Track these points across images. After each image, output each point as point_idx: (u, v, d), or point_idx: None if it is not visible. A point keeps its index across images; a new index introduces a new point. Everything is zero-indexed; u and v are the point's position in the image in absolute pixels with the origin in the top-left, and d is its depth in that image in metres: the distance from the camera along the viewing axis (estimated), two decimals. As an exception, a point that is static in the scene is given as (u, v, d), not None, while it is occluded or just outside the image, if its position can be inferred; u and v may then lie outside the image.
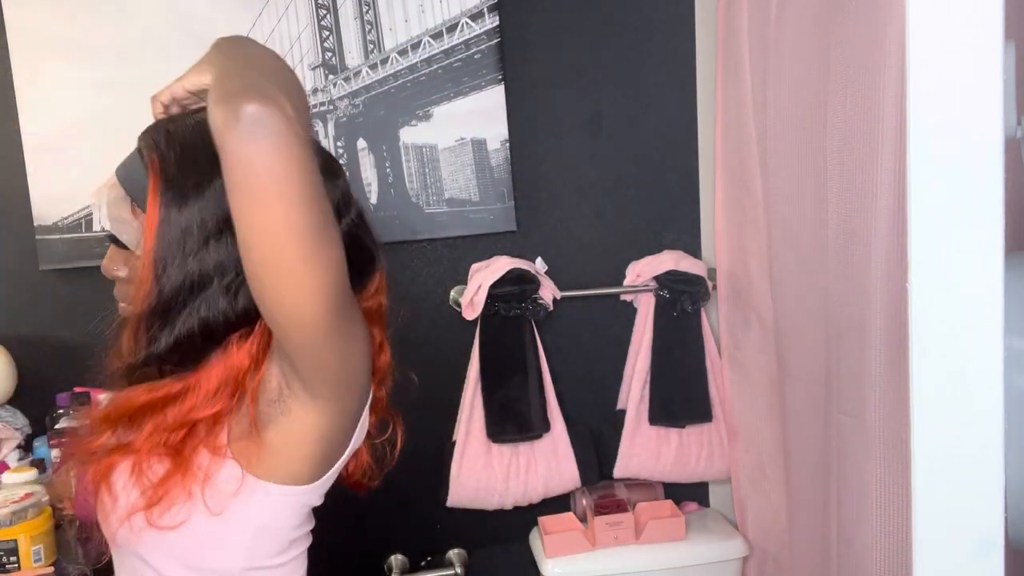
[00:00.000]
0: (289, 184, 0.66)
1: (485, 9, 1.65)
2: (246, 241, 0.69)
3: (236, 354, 0.79)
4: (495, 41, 1.65)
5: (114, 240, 0.82)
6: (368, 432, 0.92)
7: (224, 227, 0.75)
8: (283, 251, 0.68)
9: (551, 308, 1.68)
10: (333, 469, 0.84)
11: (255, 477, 0.79)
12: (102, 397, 0.86)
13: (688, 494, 1.81)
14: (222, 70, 0.73)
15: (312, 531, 0.88)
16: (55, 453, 1.46)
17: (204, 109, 0.78)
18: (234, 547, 0.80)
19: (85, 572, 1.31)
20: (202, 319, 0.76)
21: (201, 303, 0.76)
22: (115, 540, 0.83)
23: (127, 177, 0.79)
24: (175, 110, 0.84)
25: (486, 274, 1.62)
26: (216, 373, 0.79)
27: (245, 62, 0.73)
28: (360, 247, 0.85)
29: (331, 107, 1.65)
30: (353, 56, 1.65)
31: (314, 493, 0.83)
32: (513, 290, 1.62)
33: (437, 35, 1.65)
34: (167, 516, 0.77)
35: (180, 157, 0.77)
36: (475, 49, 1.66)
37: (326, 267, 0.70)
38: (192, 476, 0.78)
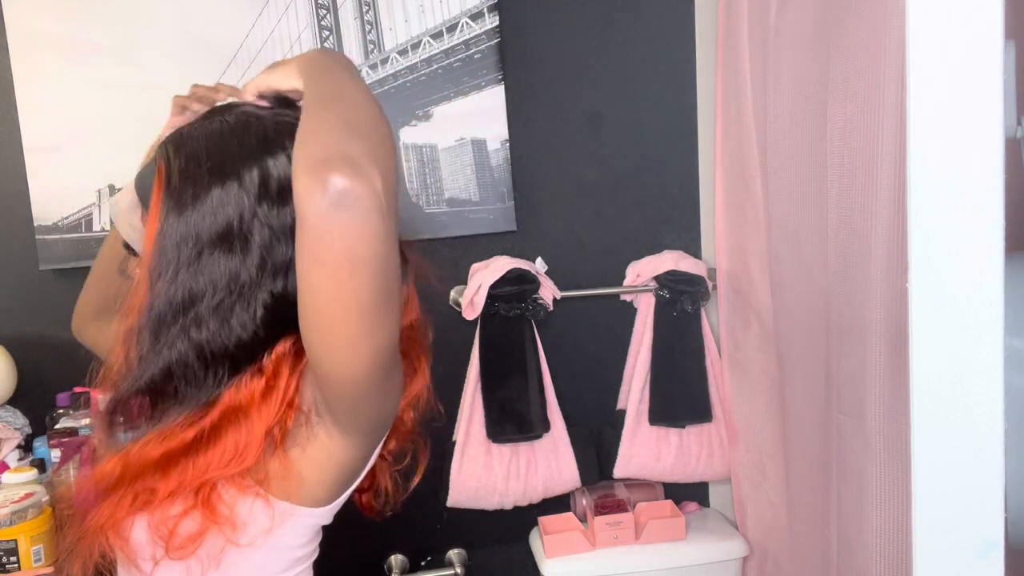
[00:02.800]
0: (367, 264, 0.63)
1: (485, 9, 1.65)
2: (309, 305, 0.66)
3: (255, 410, 0.74)
4: (495, 41, 1.65)
5: (128, 249, 0.81)
6: (383, 456, 0.91)
7: (218, 242, 0.72)
8: (347, 322, 0.65)
9: (551, 308, 1.68)
10: (348, 492, 0.83)
11: (274, 498, 0.77)
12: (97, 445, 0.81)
13: (688, 494, 1.81)
14: (313, 113, 0.67)
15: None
16: (55, 453, 1.46)
17: (225, 111, 0.78)
18: (246, 566, 0.78)
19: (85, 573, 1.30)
20: (193, 342, 0.72)
21: (191, 323, 0.72)
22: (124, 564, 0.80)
23: (140, 183, 0.78)
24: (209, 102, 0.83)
25: (486, 274, 1.62)
26: (234, 429, 0.74)
27: (341, 104, 0.68)
28: None
29: (331, 107, 1.65)
30: (353, 56, 1.65)
31: (328, 514, 0.82)
32: (513, 290, 1.62)
33: (437, 35, 1.65)
34: (194, 562, 0.76)
35: (184, 165, 0.74)
36: (475, 49, 1.66)
37: (384, 335, 0.69)
38: (224, 523, 0.74)
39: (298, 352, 0.76)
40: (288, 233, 0.73)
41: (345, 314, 0.65)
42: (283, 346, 0.76)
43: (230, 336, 0.73)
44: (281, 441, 0.75)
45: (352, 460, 0.79)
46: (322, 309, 0.65)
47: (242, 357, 0.75)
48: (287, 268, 0.74)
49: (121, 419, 0.75)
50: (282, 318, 0.74)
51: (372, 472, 0.91)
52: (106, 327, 1.02)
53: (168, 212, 0.73)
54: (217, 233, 0.72)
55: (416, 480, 0.94)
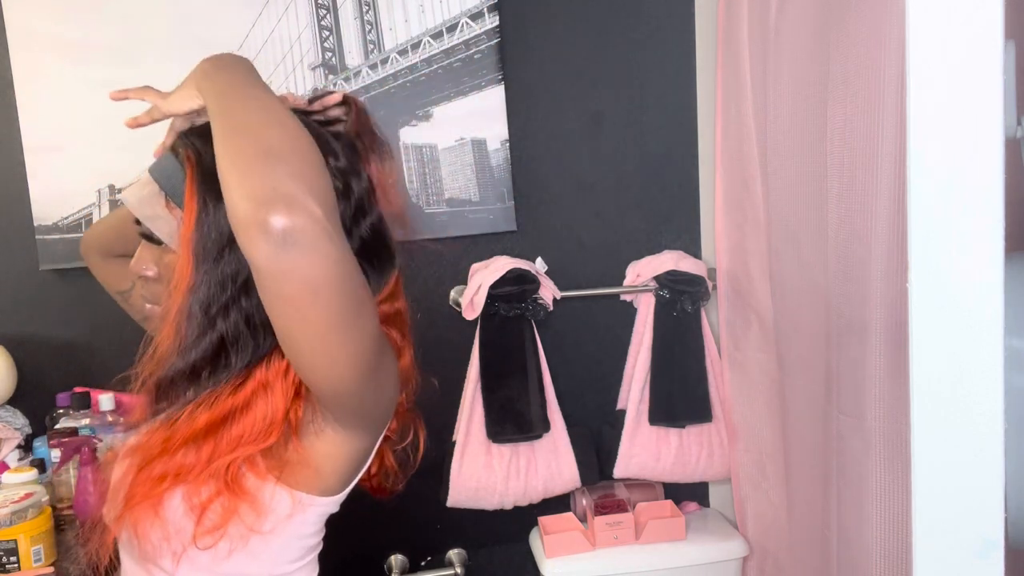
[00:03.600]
0: (328, 287, 0.65)
1: (485, 9, 1.65)
2: (283, 334, 0.69)
3: (280, 384, 0.78)
4: (495, 41, 1.65)
5: (146, 237, 0.83)
6: (387, 437, 0.93)
7: None
8: (322, 342, 0.68)
9: (551, 308, 1.68)
10: (356, 479, 0.86)
11: (291, 488, 0.80)
12: (130, 416, 0.84)
13: (688, 494, 1.81)
14: (228, 150, 0.68)
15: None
16: (55, 453, 1.46)
17: None
18: (264, 556, 0.81)
19: (85, 572, 1.31)
20: (243, 310, 0.76)
21: (240, 295, 0.76)
22: (145, 555, 0.81)
23: (161, 173, 0.80)
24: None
25: (486, 274, 1.62)
26: (263, 401, 0.78)
27: (252, 130, 0.68)
28: (380, 246, 0.85)
29: (331, 107, 1.65)
30: (353, 56, 1.65)
31: (337, 502, 0.85)
32: (513, 290, 1.62)
33: (437, 35, 1.65)
34: (221, 543, 0.78)
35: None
36: (475, 49, 1.66)
37: (360, 340, 0.71)
38: (250, 507, 0.78)
39: None
40: None
41: (317, 336, 0.68)
42: None
43: None
44: (296, 428, 0.79)
45: (360, 450, 0.83)
46: (295, 337, 0.69)
47: None
48: None
49: (169, 395, 0.78)
50: None
51: (379, 455, 0.94)
52: (107, 265, 1.09)
53: (207, 195, 0.75)
54: None
55: (420, 455, 0.96)
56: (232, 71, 0.78)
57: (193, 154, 0.78)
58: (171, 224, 0.79)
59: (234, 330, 0.76)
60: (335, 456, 0.81)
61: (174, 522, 0.78)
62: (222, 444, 0.77)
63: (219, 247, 0.75)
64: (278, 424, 0.77)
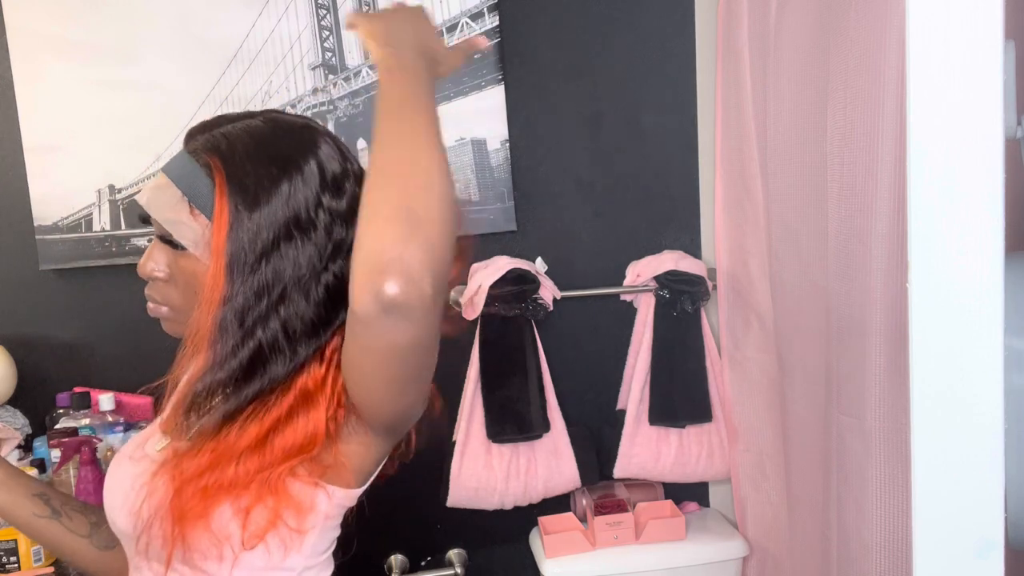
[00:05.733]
0: (412, 355, 0.69)
1: (485, 9, 1.65)
2: (354, 377, 0.73)
3: (321, 397, 0.80)
4: (495, 41, 1.65)
5: (163, 239, 0.82)
6: None
7: (293, 229, 0.77)
8: (388, 390, 0.73)
9: (551, 308, 1.68)
10: (377, 470, 0.87)
11: (327, 486, 0.81)
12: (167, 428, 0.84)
13: (688, 494, 1.81)
14: (378, 186, 0.66)
15: None
16: (55, 453, 1.46)
17: (250, 116, 0.82)
18: (305, 550, 0.82)
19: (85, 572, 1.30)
20: (281, 319, 0.77)
21: (279, 303, 0.77)
22: (190, 561, 0.80)
23: (184, 179, 0.79)
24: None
25: (486, 274, 1.62)
26: (305, 413, 0.79)
27: (407, 181, 0.66)
28: None
29: (331, 107, 1.65)
30: (353, 56, 1.65)
31: (359, 494, 0.86)
32: (513, 290, 1.62)
33: (437, 35, 1.65)
34: (269, 543, 0.79)
35: (246, 161, 0.78)
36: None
37: (421, 391, 0.76)
38: (295, 510, 0.79)
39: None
40: (345, 217, 0.80)
41: (386, 387, 0.72)
42: (337, 339, 0.80)
43: (310, 312, 0.79)
44: (336, 435, 0.80)
45: (385, 451, 0.86)
46: (366, 382, 0.72)
47: (315, 333, 0.80)
48: (342, 250, 0.80)
49: (203, 406, 0.79)
50: (341, 296, 0.78)
51: None
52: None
53: (240, 207, 0.76)
54: (291, 221, 0.77)
55: (412, 443, 0.95)
56: (415, 89, 0.75)
57: (220, 162, 0.78)
58: (196, 231, 0.79)
59: (272, 340, 0.77)
60: (363, 456, 0.82)
61: (220, 529, 0.78)
62: (268, 456, 0.78)
63: (255, 257, 0.76)
64: (321, 435, 0.79)
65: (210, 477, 0.77)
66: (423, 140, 0.68)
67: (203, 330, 0.77)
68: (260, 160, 0.78)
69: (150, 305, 0.85)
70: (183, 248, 0.80)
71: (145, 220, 0.83)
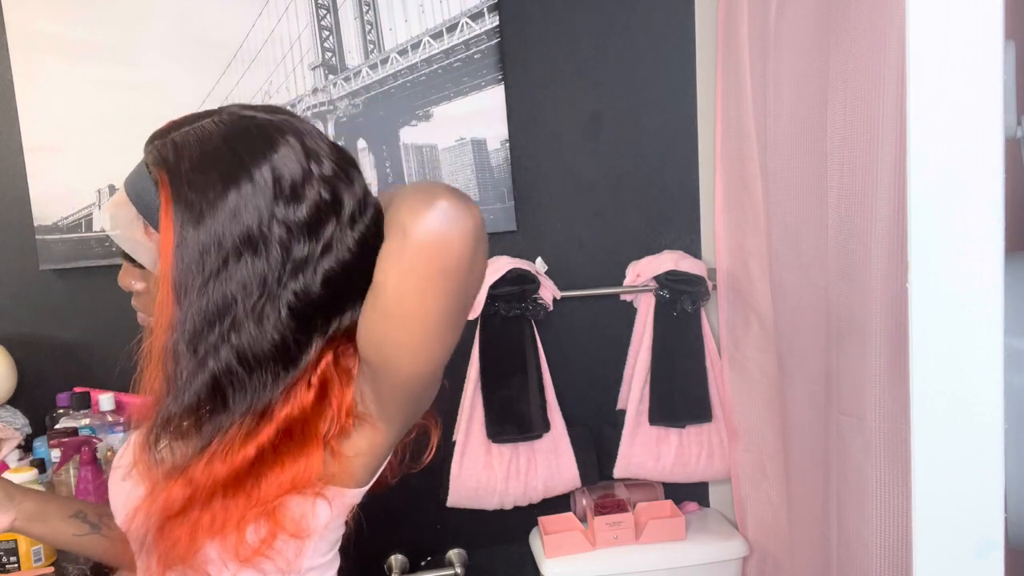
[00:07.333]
0: (457, 279, 0.68)
1: (485, 9, 1.65)
2: (391, 311, 0.69)
3: (313, 432, 0.76)
4: (495, 41, 1.65)
5: (127, 257, 0.80)
6: None
7: (242, 247, 0.70)
8: (424, 329, 0.70)
9: (551, 308, 1.68)
10: (380, 470, 0.85)
11: (332, 488, 0.79)
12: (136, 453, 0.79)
13: (688, 494, 1.81)
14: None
15: None
16: (55, 453, 1.46)
17: (208, 116, 0.75)
18: (309, 552, 0.81)
19: (85, 572, 1.31)
20: (235, 347, 0.71)
21: (229, 331, 0.71)
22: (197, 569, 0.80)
23: (138, 197, 0.75)
24: None
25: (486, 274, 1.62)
26: (297, 450, 0.75)
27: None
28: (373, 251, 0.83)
29: (331, 107, 1.65)
30: (353, 56, 1.65)
31: (362, 494, 0.84)
32: (513, 290, 1.62)
33: (437, 35, 1.65)
34: (269, 556, 0.77)
35: (191, 173, 0.71)
36: (475, 49, 1.66)
37: (452, 342, 0.73)
38: (295, 524, 0.77)
39: (342, 363, 0.78)
40: (304, 230, 0.72)
41: (424, 322, 0.69)
42: (327, 358, 0.76)
43: (267, 338, 0.72)
44: (338, 447, 0.78)
45: (391, 442, 0.82)
46: (405, 316, 0.69)
47: (282, 360, 0.74)
48: (304, 266, 0.72)
49: (166, 438, 0.75)
50: (309, 317, 0.74)
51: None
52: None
53: (184, 224, 0.70)
54: (240, 238, 0.70)
55: (431, 452, 0.94)
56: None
57: (166, 175, 0.71)
58: (151, 251, 0.75)
59: (226, 369, 0.71)
60: (366, 450, 0.79)
61: (215, 558, 0.76)
62: (254, 493, 0.74)
63: (203, 279, 0.70)
64: (316, 469, 0.75)
65: (184, 519, 0.74)
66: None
67: (155, 356, 0.72)
68: (206, 170, 0.71)
69: (140, 315, 0.83)
70: (142, 267, 0.78)
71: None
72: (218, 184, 0.70)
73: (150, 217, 0.74)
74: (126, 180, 0.77)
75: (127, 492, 0.83)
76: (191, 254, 0.70)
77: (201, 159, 0.71)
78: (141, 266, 0.78)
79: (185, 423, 0.74)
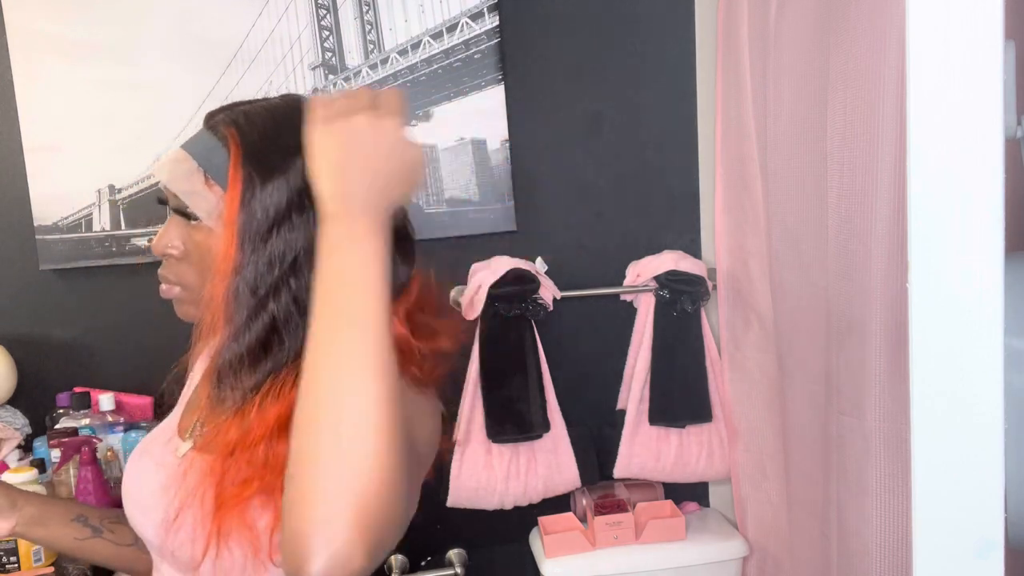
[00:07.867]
0: None
1: (485, 9, 1.65)
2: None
3: None
4: (495, 41, 1.65)
5: (178, 212, 0.82)
6: None
7: (300, 204, 0.77)
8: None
9: (551, 308, 1.68)
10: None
11: None
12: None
13: (688, 494, 1.81)
14: (303, 431, 0.60)
15: None
16: (55, 453, 1.46)
17: (266, 100, 0.83)
18: None
19: (85, 572, 1.31)
20: (292, 291, 0.76)
21: (288, 273, 0.76)
22: (220, 567, 0.78)
23: (200, 150, 0.80)
24: None
25: (486, 274, 1.62)
26: None
27: (339, 368, 0.61)
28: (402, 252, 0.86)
29: (331, 107, 1.65)
30: (353, 56, 1.65)
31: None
32: (513, 290, 1.62)
33: (437, 35, 1.65)
34: None
35: (262, 132, 0.79)
36: (475, 49, 1.66)
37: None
38: None
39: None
40: None
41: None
42: None
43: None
44: None
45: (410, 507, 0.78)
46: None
47: None
48: None
49: (229, 381, 0.77)
50: None
51: None
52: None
53: (254, 175, 0.76)
54: (303, 193, 0.76)
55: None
56: (372, 253, 0.65)
57: (237, 132, 0.78)
58: (210, 201, 0.79)
59: (285, 311, 0.76)
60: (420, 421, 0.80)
61: (254, 523, 0.75)
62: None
63: (267, 227, 0.76)
64: None
65: (239, 463, 0.75)
66: (359, 364, 0.60)
67: (217, 301, 0.76)
68: (277, 134, 0.79)
69: (163, 287, 0.84)
70: (197, 219, 0.80)
71: (163, 201, 0.83)
72: (288, 145, 0.77)
73: (212, 170, 0.79)
74: (183, 145, 0.83)
75: (160, 483, 0.82)
76: (259, 204, 0.76)
77: (273, 125, 0.79)
78: (192, 218, 0.80)
79: (247, 376, 0.76)
